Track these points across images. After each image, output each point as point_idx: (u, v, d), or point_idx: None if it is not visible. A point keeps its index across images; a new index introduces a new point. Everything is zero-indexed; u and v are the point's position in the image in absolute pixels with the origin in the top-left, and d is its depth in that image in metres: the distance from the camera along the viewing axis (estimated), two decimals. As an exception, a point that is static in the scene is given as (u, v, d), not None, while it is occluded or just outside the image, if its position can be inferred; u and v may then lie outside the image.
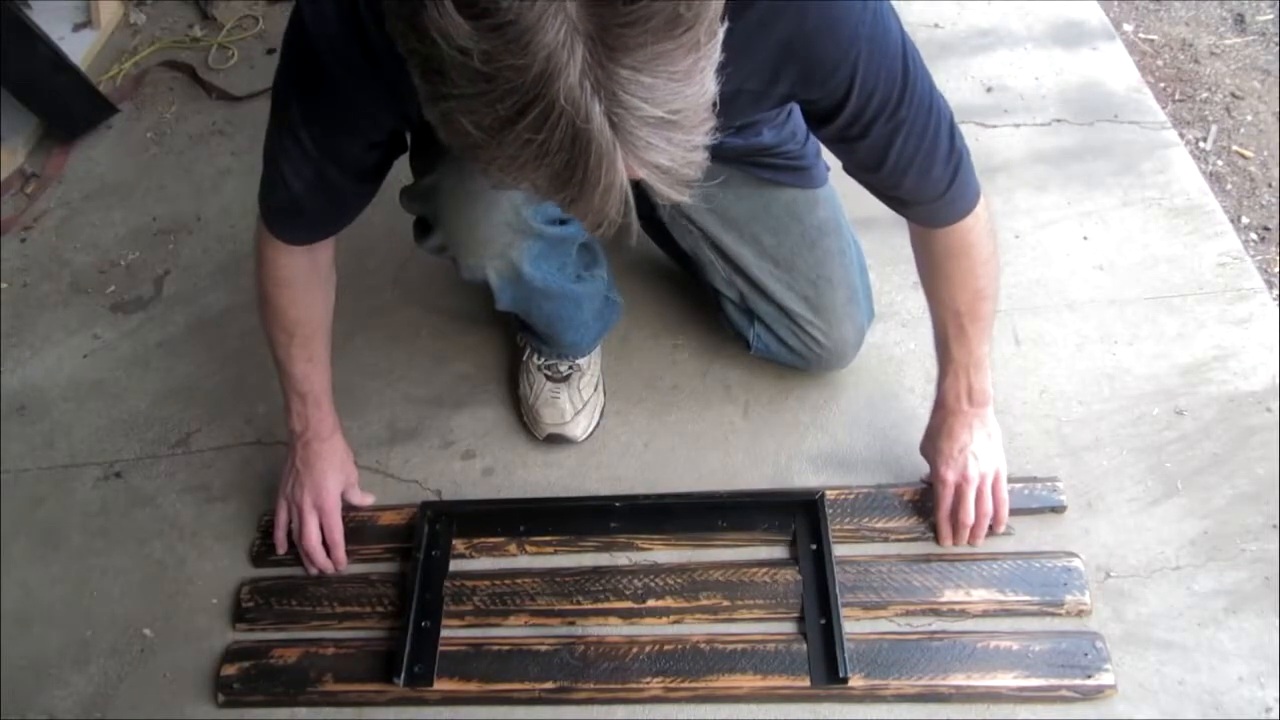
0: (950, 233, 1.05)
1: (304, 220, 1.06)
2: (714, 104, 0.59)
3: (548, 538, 1.29)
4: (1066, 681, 1.09)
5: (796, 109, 1.15)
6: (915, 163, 0.96)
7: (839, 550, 1.23)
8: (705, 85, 0.57)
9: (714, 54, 0.58)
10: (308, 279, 1.13)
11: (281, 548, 1.30)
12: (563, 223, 1.14)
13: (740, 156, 1.21)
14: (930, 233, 1.07)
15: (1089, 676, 1.09)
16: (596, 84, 0.53)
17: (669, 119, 0.56)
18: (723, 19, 0.58)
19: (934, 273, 1.10)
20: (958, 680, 1.11)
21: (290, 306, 1.14)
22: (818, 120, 0.95)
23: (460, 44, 0.52)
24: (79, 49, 2.14)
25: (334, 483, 1.27)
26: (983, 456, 1.18)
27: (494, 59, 0.52)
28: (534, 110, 0.53)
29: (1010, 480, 1.25)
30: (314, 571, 1.29)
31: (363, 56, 0.84)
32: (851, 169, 1.02)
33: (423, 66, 0.56)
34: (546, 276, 1.19)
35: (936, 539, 1.23)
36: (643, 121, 0.55)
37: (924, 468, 1.24)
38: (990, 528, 1.20)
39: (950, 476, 1.18)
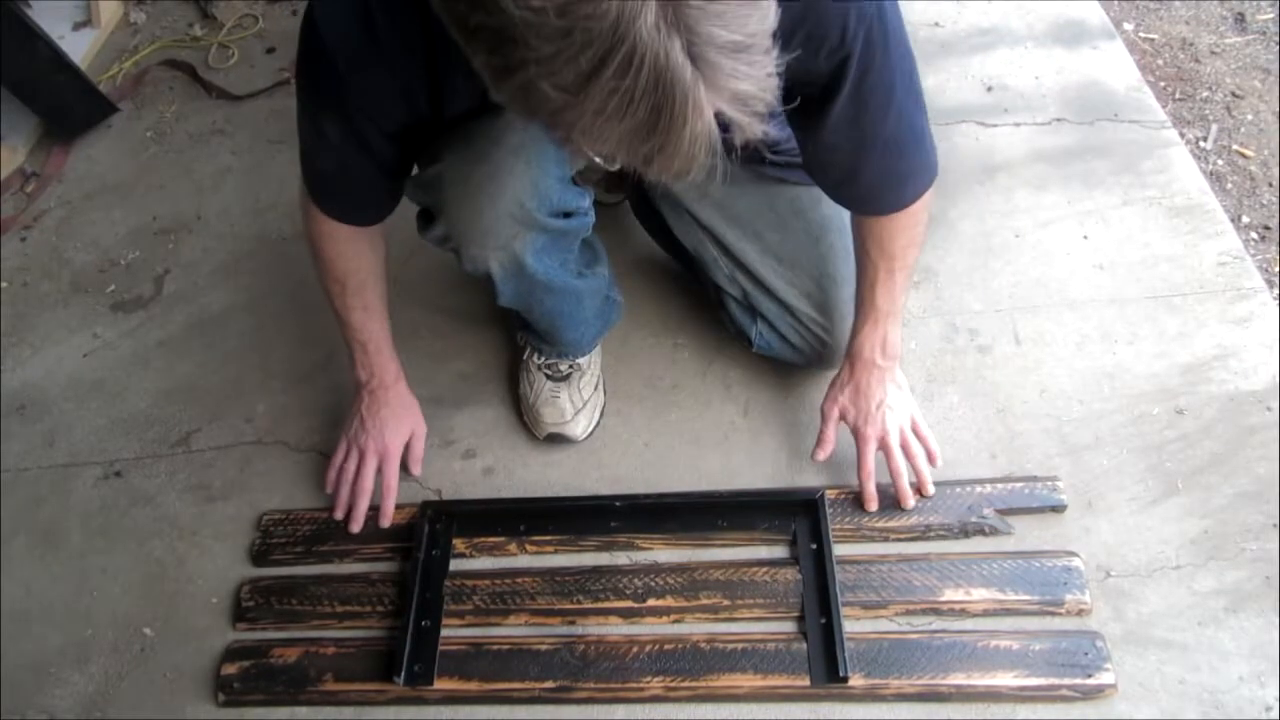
0: (899, 216, 1.09)
1: (337, 201, 1.10)
2: (772, 32, 0.59)
3: (548, 537, 1.29)
4: (1066, 681, 1.09)
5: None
6: (866, 155, 0.99)
7: (839, 550, 1.23)
8: (768, 11, 0.58)
9: None
10: (351, 235, 1.15)
11: (330, 486, 1.32)
12: (567, 215, 1.14)
13: (748, 154, 1.21)
14: (869, 222, 1.11)
15: (1089, 676, 1.09)
16: (673, 20, 0.53)
17: (746, 42, 0.56)
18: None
19: (869, 230, 1.11)
20: (958, 680, 1.11)
21: (338, 259, 1.16)
22: (817, 101, 0.96)
23: (534, 4, 0.52)
24: (79, 48, 2.14)
25: (397, 429, 1.29)
26: (898, 408, 1.20)
27: (569, 12, 0.53)
28: (616, 57, 0.54)
29: (1010, 480, 1.26)
30: (342, 517, 1.31)
31: (370, 49, 0.85)
32: (811, 162, 1.04)
33: (492, 41, 0.56)
34: (549, 270, 1.19)
35: (863, 503, 1.23)
36: (721, 50, 0.55)
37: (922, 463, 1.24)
38: (920, 492, 1.23)
39: (872, 433, 1.19)
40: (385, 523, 1.30)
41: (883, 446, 1.20)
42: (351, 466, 1.30)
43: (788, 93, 0.96)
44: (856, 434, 1.22)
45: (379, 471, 1.30)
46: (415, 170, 1.13)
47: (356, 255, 1.18)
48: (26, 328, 1.70)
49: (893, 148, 1.01)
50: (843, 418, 1.23)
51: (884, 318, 1.16)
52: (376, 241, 1.20)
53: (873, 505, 1.22)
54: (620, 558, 1.27)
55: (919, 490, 1.23)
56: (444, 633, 1.22)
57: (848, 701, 1.13)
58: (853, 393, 1.21)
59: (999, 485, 1.25)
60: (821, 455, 1.24)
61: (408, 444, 1.33)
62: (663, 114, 0.56)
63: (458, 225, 1.11)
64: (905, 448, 1.21)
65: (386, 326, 1.26)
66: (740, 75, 0.57)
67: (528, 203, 1.07)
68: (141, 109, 2.07)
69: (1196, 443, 1.28)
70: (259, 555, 1.33)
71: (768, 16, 0.59)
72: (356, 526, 1.30)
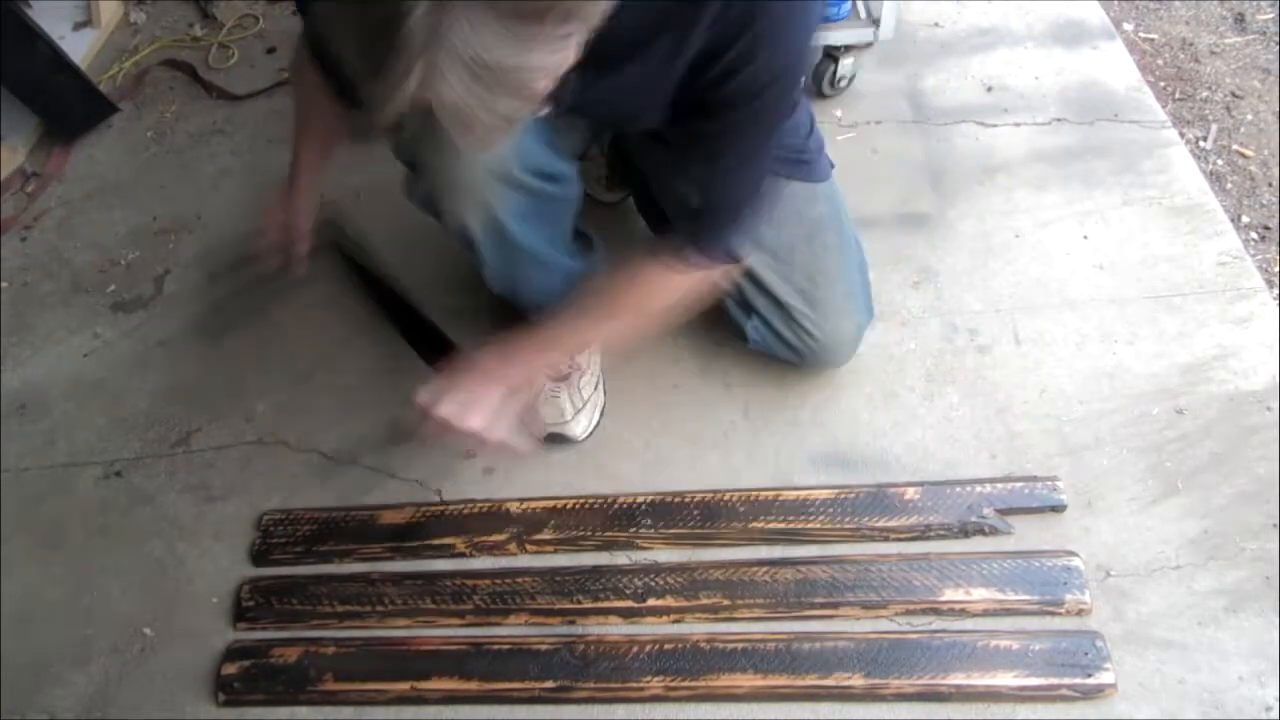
0: (655, 279, 1.07)
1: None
2: (537, 93, 0.60)
3: (548, 536, 1.29)
4: (1066, 681, 1.09)
5: (805, 100, 1.16)
6: (723, 171, 0.99)
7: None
8: (531, 60, 0.58)
9: (559, 46, 0.59)
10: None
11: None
12: (548, 178, 1.13)
13: None
14: (636, 282, 1.09)
15: (1089, 676, 1.09)
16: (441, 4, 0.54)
17: (480, 67, 0.57)
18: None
19: (619, 290, 1.10)
20: (958, 679, 1.11)
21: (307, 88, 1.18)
22: (702, 75, 0.95)
23: None
24: (79, 48, 2.13)
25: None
26: (478, 403, 1.08)
27: None
28: None
29: (1010, 480, 1.26)
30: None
31: None
32: (683, 143, 1.03)
33: None
34: (534, 242, 1.18)
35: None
36: (454, 56, 0.56)
37: (925, 468, 1.24)
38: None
39: (423, 400, 1.09)
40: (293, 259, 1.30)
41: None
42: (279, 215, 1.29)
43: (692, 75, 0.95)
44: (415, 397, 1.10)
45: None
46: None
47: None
48: (26, 328, 1.70)
49: (730, 191, 1.01)
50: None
51: (558, 341, 1.14)
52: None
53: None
54: (620, 557, 1.27)
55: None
56: (444, 633, 1.23)
57: (848, 701, 1.13)
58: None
59: (999, 485, 1.25)
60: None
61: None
62: (378, 48, 0.56)
63: (436, 176, 1.10)
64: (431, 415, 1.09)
65: (319, 156, 1.26)
66: (450, 87, 0.58)
67: (506, 155, 1.06)
68: (142, 109, 2.07)
69: (1196, 443, 1.28)
70: (259, 555, 1.33)
71: (525, 68, 0.59)
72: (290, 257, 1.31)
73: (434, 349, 1.37)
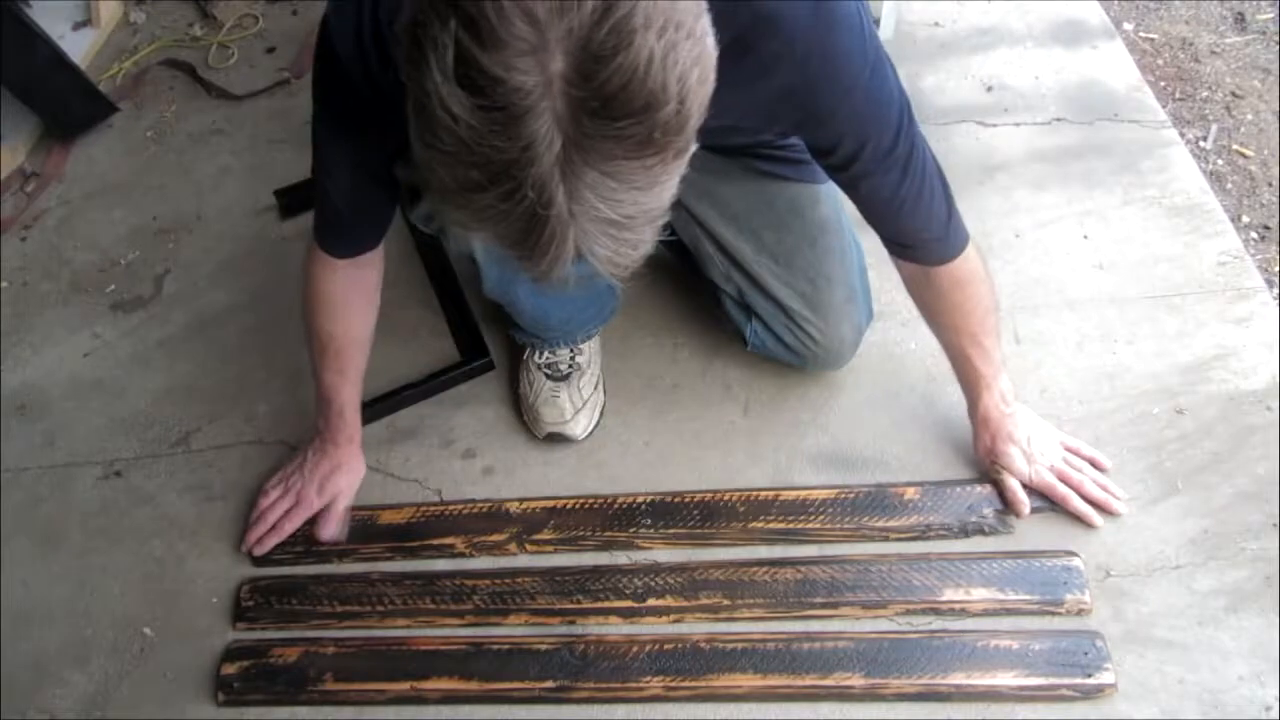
0: (944, 273, 1.10)
1: (345, 231, 1.12)
2: (667, 208, 0.65)
3: (547, 536, 1.29)
4: (1066, 681, 1.10)
5: None
6: (910, 205, 1.01)
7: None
8: (663, 196, 0.63)
9: (679, 171, 0.63)
10: (346, 296, 1.18)
11: (255, 515, 1.33)
12: None
13: (744, 150, 1.21)
14: (922, 275, 1.11)
15: (1089, 676, 1.09)
16: (564, 176, 0.57)
17: (620, 221, 0.61)
18: (726, 58, 0.62)
19: (942, 305, 1.14)
20: (958, 679, 1.11)
21: (326, 321, 1.19)
22: (817, 154, 1.01)
23: (452, 110, 0.55)
24: (79, 48, 2.13)
25: (331, 486, 1.31)
26: (1041, 437, 1.23)
27: (479, 134, 0.56)
28: (503, 186, 0.57)
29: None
30: (248, 550, 1.33)
31: (364, 78, 0.89)
32: (858, 206, 1.07)
33: (415, 107, 0.59)
34: None
35: (1085, 521, 1.22)
36: (596, 220, 0.60)
37: (926, 468, 1.24)
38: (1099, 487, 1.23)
39: (1047, 476, 1.21)
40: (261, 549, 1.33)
41: (1064, 479, 1.22)
42: (282, 508, 1.32)
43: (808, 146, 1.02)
44: (1039, 482, 1.22)
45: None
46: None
47: (345, 320, 1.20)
48: (26, 328, 1.70)
49: (912, 204, 1.02)
50: (1012, 471, 1.23)
51: (993, 380, 1.19)
52: (369, 307, 1.22)
53: (1097, 521, 1.21)
54: (620, 557, 1.27)
55: (1102, 505, 1.22)
56: (444, 633, 1.23)
57: (847, 701, 1.13)
58: (1005, 449, 1.22)
59: (998, 484, 1.25)
60: (1024, 512, 1.22)
61: (332, 500, 1.32)
62: (530, 238, 0.60)
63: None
64: (1065, 477, 1.22)
65: (358, 393, 1.28)
66: (602, 244, 0.62)
67: None
68: (141, 109, 2.07)
69: (1196, 443, 1.28)
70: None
71: (659, 203, 0.63)
72: (260, 551, 1.32)
73: (473, 353, 1.49)
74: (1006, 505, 1.23)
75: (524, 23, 0.53)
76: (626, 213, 0.61)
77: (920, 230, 1.05)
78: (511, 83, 0.54)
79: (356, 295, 1.19)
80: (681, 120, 0.58)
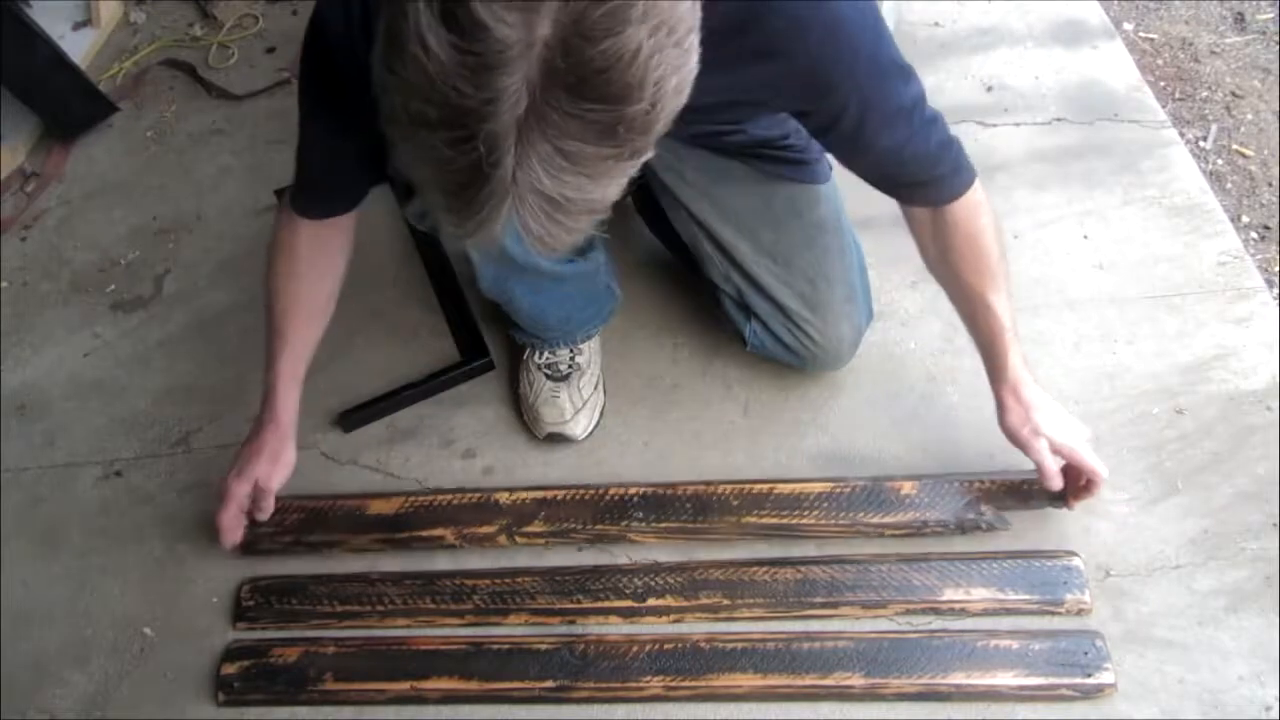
0: (958, 208, 1.06)
1: (318, 195, 1.11)
2: (609, 206, 0.64)
3: (537, 529, 1.29)
4: (1066, 680, 1.10)
5: None
6: (914, 151, 1.00)
7: (835, 546, 1.23)
8: (608, 190, 0.62)
9: (630, 171, 0.62)
10: (308, 254, 1.14)
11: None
12: None
13: (742, 149, 1.21)
14: (939, 218, 1.08)
15: (1089, 675, 1.09)
16: (519, 140, 0.56)
17: (560, 202, 0.60)
18: (723, 37, 0.62)
19: (954, 255, 1.09)
20: (958, 679, 1.11)
21: (282, 277, 1.15)
22: (815, 130, 1.01)
23: (427, 41, 0.54)
24: (79, 48, 2.13)
25: (250, 468, 1.20)
26: (1061, 412, 1.14)
27: (447, 73, 0.55)
28: (455, 131, 0.57)
29: (1007, 474, 1.25)
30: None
31: (351, 55, 0.87)
32: (852, 166, 1.05)
33: (389, 28, 0.58)
34: (528, 254, 1.18)
35: (1066, 503, 1.18)
36: (536, 193, 0.59)
37: (925, 468, 1.24)
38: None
39: (1085, 447, 1.12)
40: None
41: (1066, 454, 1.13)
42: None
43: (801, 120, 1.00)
44: (1071, 454, 1.12)
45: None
46: None
47: (305, 273, 1.15)
48: (26, 327, 1.70)
49: (912, 158, 1.01)
50: (1038, 435, 1.13)
51: (1013, 333, 1.11)
52: (333, 264, 1.17)
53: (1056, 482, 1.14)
54: (620, 556, 1.28)
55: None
56: (444, 632, 1.23)
57: (847, 700, 1.13)
58: (1041, 414, 1.12)
59: (994, 480, 1.25)
60: (1058, 484, 1.14)
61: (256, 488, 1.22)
62: (465, 191, 0.59)
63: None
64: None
65: (296, 368, 1.19)
66: (534, 218, 0.61)
67: None
68: (141, 109, 2.07)
69: (1196, 442, 1.28)
70: (246, 545, 1.29)
71: (602, 196, 0.62)
72: (230, 542, 1.23)
73: (473, 353, 1.49)
74: (1040, 474, 1.13)
75: None
76: (568, 195, 0.60)
77: (928, 170, 1.02)
78: (495, 32, 0.53)
79: (319, 254, 1.15)
80: (649, 121, 0.58)
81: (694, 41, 0.59)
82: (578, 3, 0.53)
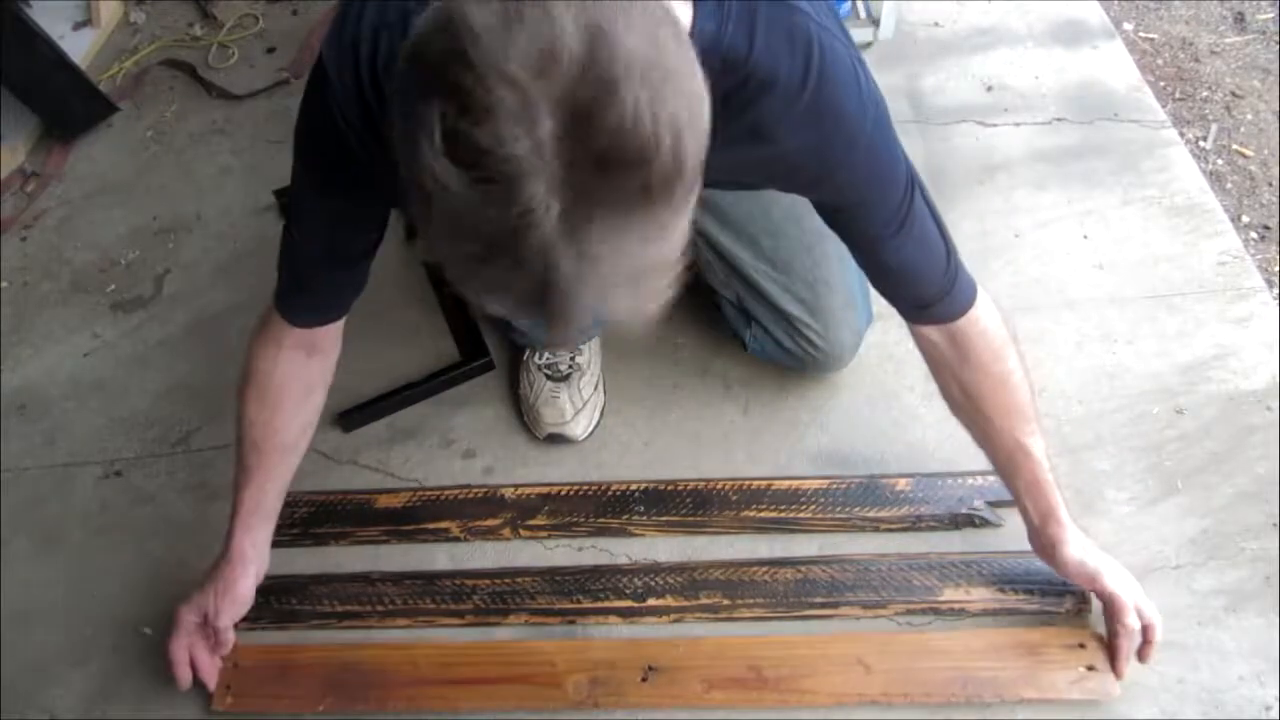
0: (971, 328, 1.01)
1: (309, 293, 1.05)
2: (681, 254, 0.62)
3: (541, 522, 1.30)
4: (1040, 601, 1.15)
5: None
6: (912, 255, 0.97)
7: (831, 540, 1.24)
8: (675, 242, 0.60)
9: (688, 212, 0.60)
10: (283, 381, 1.09)
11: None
12: None
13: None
14: (954, 342, 1.02)
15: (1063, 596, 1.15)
16: (569, 238, 0.55)
17: (635, 275, 0.59)
18: (718, 118, 0.60)
19: (978, 390, 1.03)
20: (947, 596, 1.16)
21: (252, 404, 1.09)
22: (820, 208, 0.98)
23: (447, 184, 0.53)
24: (79, 48, 2.13)
25: (201, 596, 1.14)
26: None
27: (474, 206, 0.54)
28: (505, 256, 0.55)
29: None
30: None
31: (363, 129, 0.84)
32: (858, 260, 1.02)
33: (411, 187, 0.57)
34: None
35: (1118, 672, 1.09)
36: (610, 277, 0.57)
37: (926, 468, 1.24)
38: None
39: (1149, 609, 1.06)
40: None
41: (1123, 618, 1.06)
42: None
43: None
44: (1138, 617, 1.05)
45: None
46: None
47: (277, 403, 1.09)
48: (27, 327, 1.70)
49: (915, 257, 0.97)
50: (1119, 604, 1.06)
51: (1050, 472, 1.05)
52: (309, 397, 1.12)
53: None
54: (620, 557, 1.28)
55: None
56: (444, 634, 1.23)
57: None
58: (1107, 568, 1.06)
59: (990, 477, 1.25)
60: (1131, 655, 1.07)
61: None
62: (541, 306, 0.58)
63: None
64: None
65: (260, 506, 1.13)
66: (621, 300, 0.60)
67: None
68: (141, 109, 2.07)
69: (1196, 442, 1.28)
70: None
71: (671, 249, 0.60)
72: (184, 685, 1.16)
73: (473, 353, 1.49)
74: (1113, 659, 1.08)
75: (506, 89, 0.51)
76: (639, 265, 0.58)
77: (923, 278, 0.98)
78: (501, 152, 0.52)
79: (300, 375, 1.09)
80: (678, 165, 0.56)
81: (691, 71, 0.58)
82: (564, 87, 0.52)
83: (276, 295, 1.06)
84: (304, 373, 1.10)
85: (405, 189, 0.58)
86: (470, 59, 0.51)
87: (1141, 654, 1.06)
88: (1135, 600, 1.05)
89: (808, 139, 0.84)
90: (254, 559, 1.14)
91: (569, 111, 0.52)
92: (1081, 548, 1.06)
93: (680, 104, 0.55)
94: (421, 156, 0.54)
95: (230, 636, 1.16)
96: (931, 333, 1.03)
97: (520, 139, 0.52)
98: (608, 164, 0.54)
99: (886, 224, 0.93)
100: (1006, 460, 1.06)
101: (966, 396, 1.04)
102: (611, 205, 0.55)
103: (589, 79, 0.52)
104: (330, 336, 1.11)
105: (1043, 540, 1.08)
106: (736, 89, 0.78)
